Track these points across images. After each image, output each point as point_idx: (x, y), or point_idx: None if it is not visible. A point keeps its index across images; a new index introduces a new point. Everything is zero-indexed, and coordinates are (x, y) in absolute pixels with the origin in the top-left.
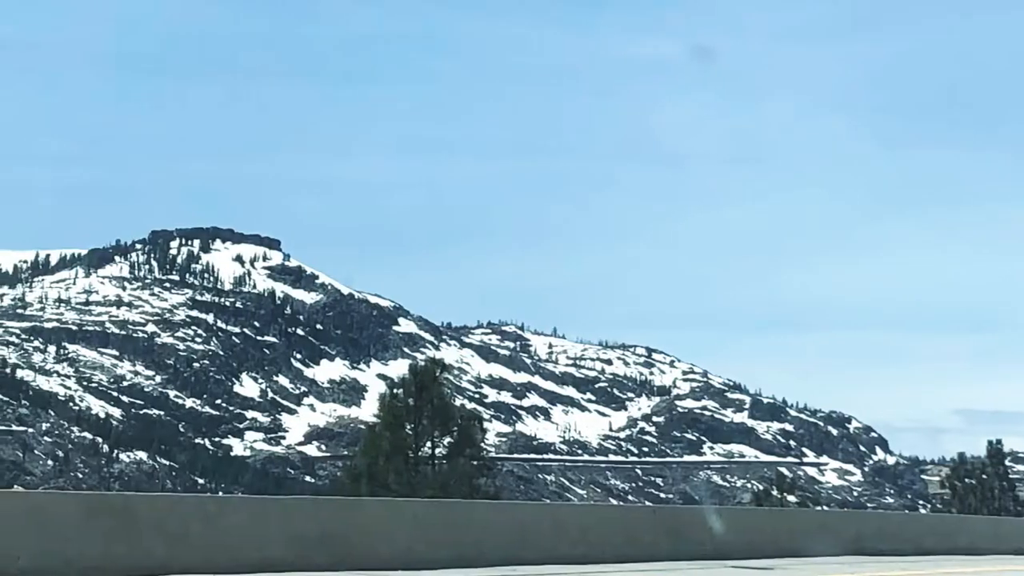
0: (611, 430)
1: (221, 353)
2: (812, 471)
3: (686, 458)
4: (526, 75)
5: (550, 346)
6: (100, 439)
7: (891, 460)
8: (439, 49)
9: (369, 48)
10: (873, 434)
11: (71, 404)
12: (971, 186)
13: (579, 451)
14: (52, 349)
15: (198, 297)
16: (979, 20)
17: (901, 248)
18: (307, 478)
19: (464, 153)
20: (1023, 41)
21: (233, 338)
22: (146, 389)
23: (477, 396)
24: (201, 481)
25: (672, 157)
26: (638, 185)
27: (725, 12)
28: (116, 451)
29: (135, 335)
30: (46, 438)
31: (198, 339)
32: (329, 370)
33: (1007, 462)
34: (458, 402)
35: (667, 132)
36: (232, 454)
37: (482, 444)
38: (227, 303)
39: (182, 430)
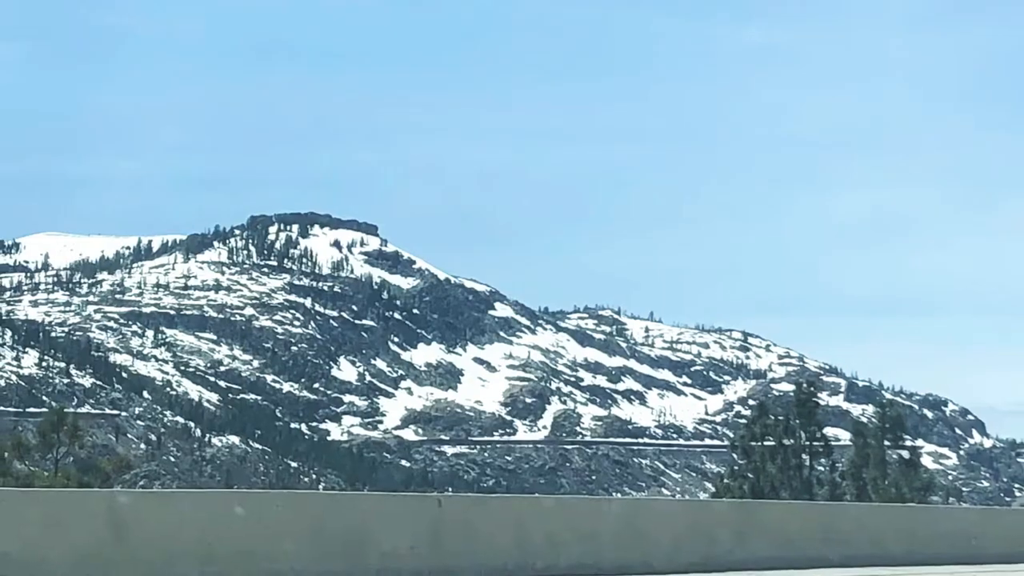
0: (707, 414)
1: (319, 337)
2: (906, 454)
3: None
4: (621, 62)
5: (646, 330)
6: (192, 423)
7: (987, 443)
8: (532, 36)
9: (465, 36)
10: (970, 417)
11: (168, 389)
12: None
13: (674, 435)
14: (150, 334)
15: (296, 282)
16: None
17: (998, 233)
18: (403, 462)
19: (558, 140)
20: None
21: (331, 322)
22: (243, 373)
23: (573, 380)
24: (294, 465)
25: (769, 142)
26: (735, 171)
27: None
28: (208, 435)
29: (233, 319)
30: (139, 422)
31: (296, 323)
32: (426, 354)
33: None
34: (554, 385)
35: (767, 118)
36: (329, 439)
37: None
38: (325, 287)
39: (279, 415)
